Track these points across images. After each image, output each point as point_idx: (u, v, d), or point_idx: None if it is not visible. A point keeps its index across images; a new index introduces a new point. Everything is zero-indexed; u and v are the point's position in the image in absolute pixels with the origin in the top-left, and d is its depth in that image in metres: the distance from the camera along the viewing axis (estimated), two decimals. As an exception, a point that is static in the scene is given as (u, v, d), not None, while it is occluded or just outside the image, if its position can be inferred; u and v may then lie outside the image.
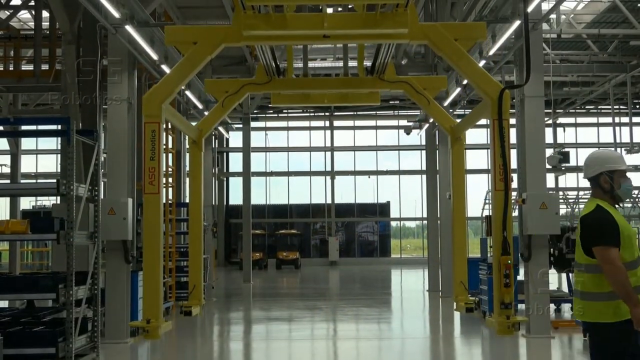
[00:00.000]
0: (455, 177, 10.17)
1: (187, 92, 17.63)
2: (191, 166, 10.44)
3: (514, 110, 12.40)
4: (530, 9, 11.83)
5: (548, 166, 23.57)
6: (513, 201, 9.67)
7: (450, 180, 10.70)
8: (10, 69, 19.92)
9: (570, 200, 34.42)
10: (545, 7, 14.44)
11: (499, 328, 7.66)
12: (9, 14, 22.27)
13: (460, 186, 10.22)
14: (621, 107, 35.30)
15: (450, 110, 20.19)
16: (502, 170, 7.36)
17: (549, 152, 26.20)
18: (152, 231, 7.79)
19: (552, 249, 14.67)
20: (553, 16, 24.42)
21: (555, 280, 22.17)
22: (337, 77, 9.98)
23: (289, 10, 6.79)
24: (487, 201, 28.80)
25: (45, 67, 18.82)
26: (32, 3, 19.95)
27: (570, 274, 15.65)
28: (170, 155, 17.02)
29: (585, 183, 5.50)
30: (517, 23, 12.20)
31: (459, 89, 16.18)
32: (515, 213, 12.20)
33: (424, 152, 32.68)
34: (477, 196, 33.98)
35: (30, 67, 19.54)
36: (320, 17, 6.61)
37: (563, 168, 29.97)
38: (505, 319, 7.57)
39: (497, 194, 7.24)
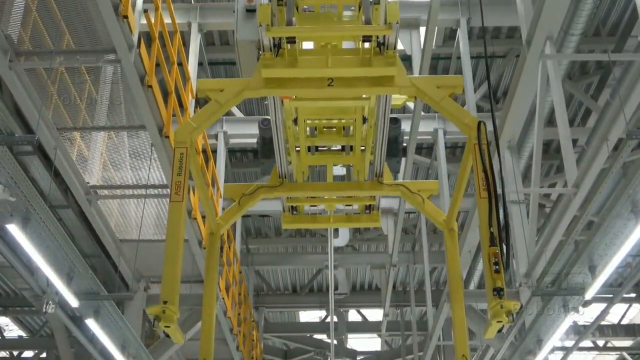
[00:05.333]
0: (450, 267, 9.80)
1: None
2: (207, 256, 10.07)
3: None
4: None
5: None
6: None
7: (447, 272, 10.30)
8: None
9: None
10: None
11: (493, 313, 6.82)
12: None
13: (456, 271, 9.72)
14: None
15: None
16: (485, 182, 7.32)
17: None
18: (175, 228, 7.46)
19: None
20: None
21: None
22: (339, 182, 10.51)
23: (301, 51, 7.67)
24: None
25: None
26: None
27: None
28: None
29: None
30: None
31: None
32: None
33: None
34: None
35: None
36: (325, 59, 7.57)
37: None
38: (498, 299, 6.78)
39: (481, 201, 7.25)
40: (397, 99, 11.56)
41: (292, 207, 10.62)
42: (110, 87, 11.35)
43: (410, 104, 14.13)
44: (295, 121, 8.90)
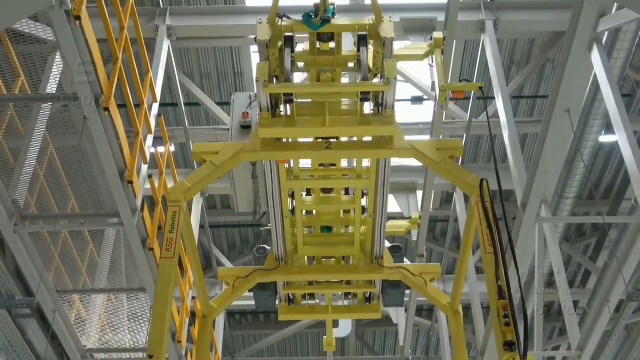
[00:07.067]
0: (457, 353, 9.23)
1: None
2: (198, 341, 9.39)
3: None
4: None
5: None
6: None
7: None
8: None
9: None
10: None
11: None
12: None
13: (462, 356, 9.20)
14: None
15: None
16: (490, 238, 7.04)
17: None
18: (164, 284, 7.46)
19: None
20: None
21: None
22: (339, 265, 9.78)
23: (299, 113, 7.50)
24: None
25: None
26: None
27: None
28: None
29: None
30: None
31: None
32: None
33: None
34: None
35: None
36: (322, 119, 7.47)
37: None
38: (510, 352, 6.35)
39: (487, 256, 7.02)
40: (400, 226, 11.57)
41: (288, 297, 10.23)
42: (112, 249, 11.48)
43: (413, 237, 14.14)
44: (293, 211, 8.72)
